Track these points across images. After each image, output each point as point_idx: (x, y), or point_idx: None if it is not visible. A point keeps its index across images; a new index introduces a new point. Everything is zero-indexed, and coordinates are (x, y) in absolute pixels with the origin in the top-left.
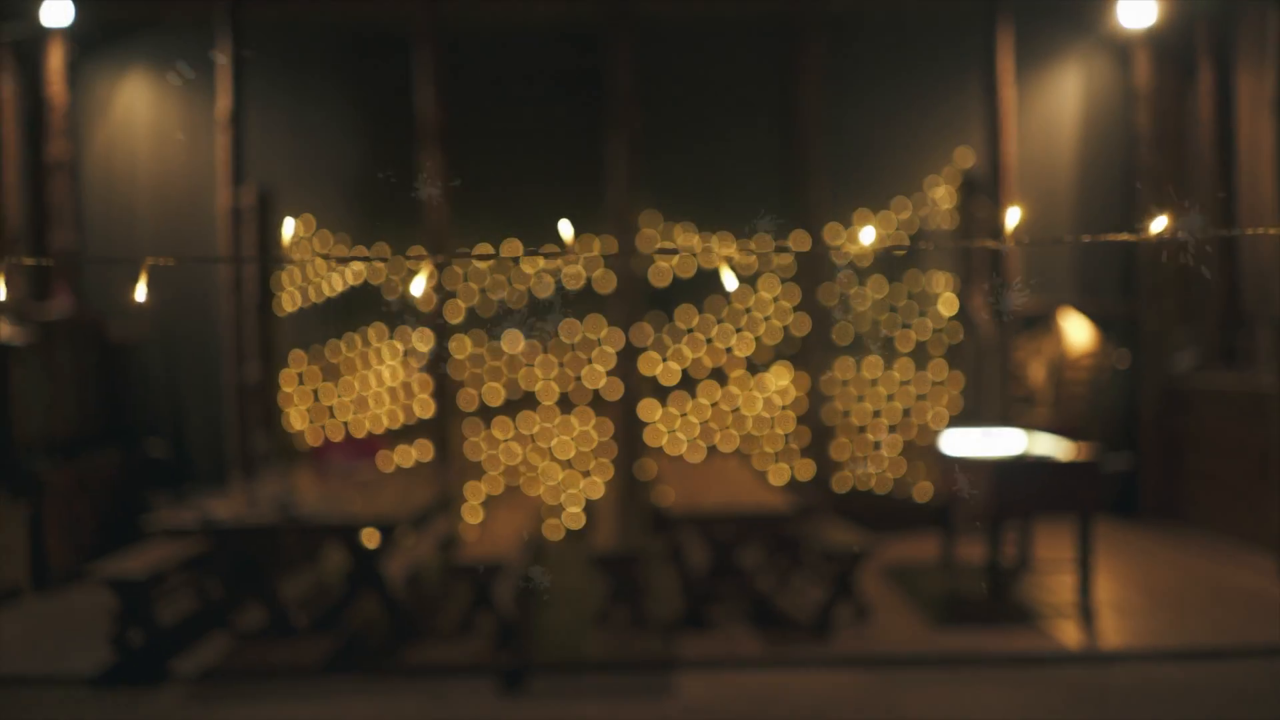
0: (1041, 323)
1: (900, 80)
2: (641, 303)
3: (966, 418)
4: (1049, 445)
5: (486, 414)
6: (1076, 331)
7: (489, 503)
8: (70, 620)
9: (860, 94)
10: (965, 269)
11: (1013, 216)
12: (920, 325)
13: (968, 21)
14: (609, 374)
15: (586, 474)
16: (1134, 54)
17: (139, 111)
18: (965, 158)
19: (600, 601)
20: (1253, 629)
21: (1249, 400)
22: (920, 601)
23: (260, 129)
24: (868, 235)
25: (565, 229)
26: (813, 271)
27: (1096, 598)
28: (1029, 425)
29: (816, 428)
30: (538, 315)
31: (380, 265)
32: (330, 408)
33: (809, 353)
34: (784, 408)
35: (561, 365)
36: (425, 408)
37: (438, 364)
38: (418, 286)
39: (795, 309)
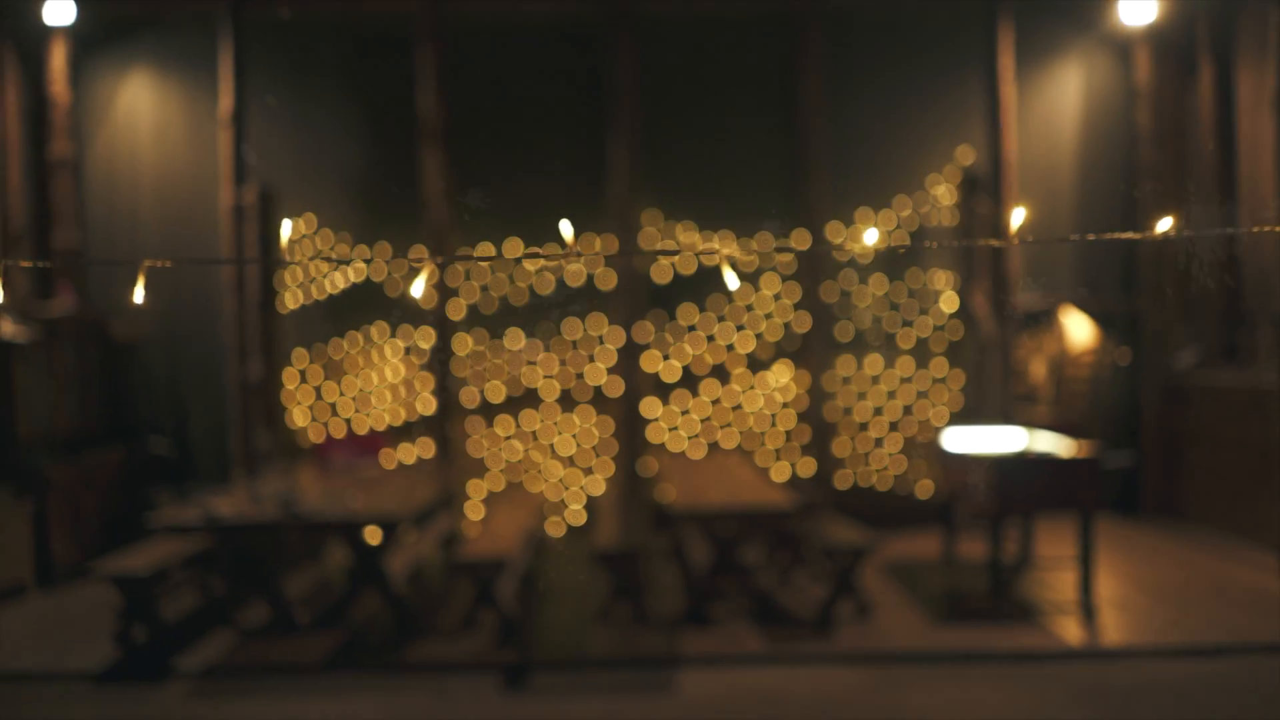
0: (1043, 320)
1: (901, 78)
2: (643, 300)
3: (967, 415)
4: (1050, 443)
5: (488, 411)
6: (1077, 329)
7: (491, 500)
8: (74, 617)
9: (861, 92)
10: (966, 266)
11: (1018, 216)
12: (921, 323)
13: (968, 19)
14: (611, 371)
15: (588, 471)
16: (1135, 51)
17: (141, 110)
18: (966, 155)
19: (602, 598)
20: (1254, 626)
21: (1250, 397)
22: (922, 598)
23: (262, 128)
24: (871, 236)
25: (566, 229)
26: (814, 269)
27: (1098, 595)
28: (1030, 423)
29: (818, 425)
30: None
31: (382, 264)
32: (332, 405)
33: (810, 350)
34: (785, 405)
35: (563, 363)
36: (427, 405)
37: (439, 360)
38: (418, 288)
39: (797, 306)
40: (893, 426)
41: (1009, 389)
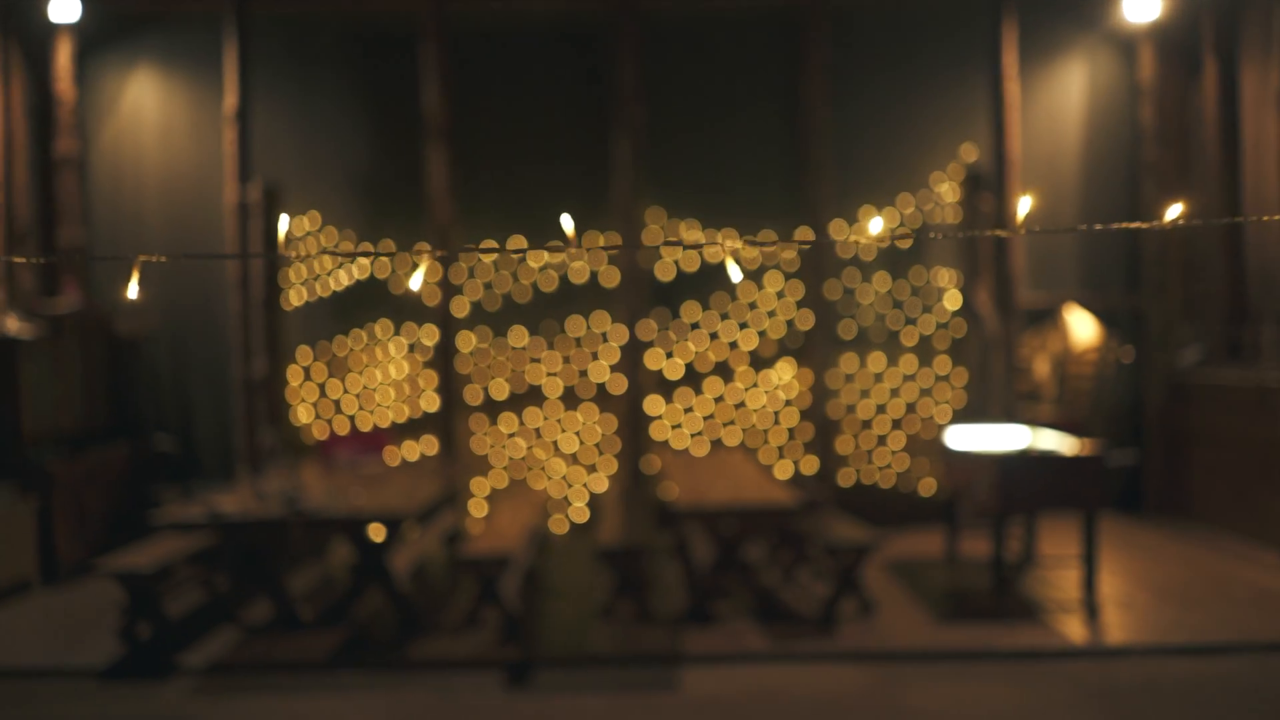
0: (1046, 318)
1: (904, 75)
2: (646, 298)
3: (971, 413)
4: (1053, 441)
5: (492, 408)
6: (1081, 327)
7: (494, 497)
8: (79, 614)
9: (864, 89)
10: (970, 264)
11: (1024, 205)
12: (925, 320)
13: (972, 16)
14: (614, 369)
15: (591, 469)
16: (1139, 48)
17: (146, 107)
18: (969, 153)
19: (605, 596)
20: (1258, 624)
21: (1254, 395)
22: (925, 596)
23: (267, 125)
24: (876, 225)
25: (567, 223)
26: (817, 267)
27: (1101, 593)
28: (1033, 420)
29: (821, 423)
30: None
31: (385, 260)
32: (336, 402)
33: (813, 347)
34: (788, 402)
35: (567, 360)
36: (431, 402)
37: (442, 357)
38: (416, 281)
39: (800, 304)
40: (896, 424)
41: (1012, 387)
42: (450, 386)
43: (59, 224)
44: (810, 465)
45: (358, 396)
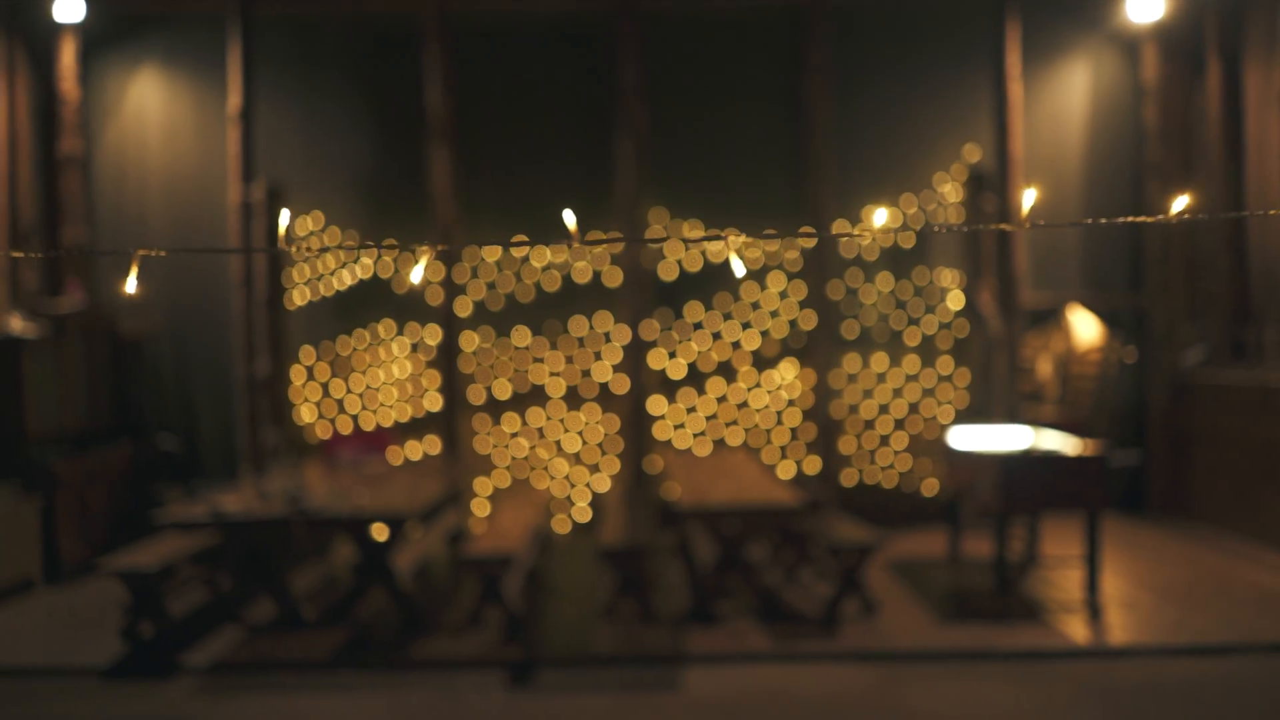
0: (1049, 318)
1: (907, 76)
2: (649, 298)
3: (974, 413)
4: (1056, 441)
5: (495, 408)
6: (1084, 327)
7: (497, 497)
8: (82, 613)
9: (867, 89)
10: (973, 264)
11: (1029, 198)
12: (927, 320)
13: (975, 16)
14: (617, 369)
15: (594, 468)
16: (1142, 48)
17: (150, 107)
18: (972, 153)
19: (608, 596)
20: (1261, 625)
21: (1257, 395)
22: (927, 597)
23: (270, 125)
24: (880, 217)
25: (569, 219)
26: (820, 266)
27: (1104, 594)
28: (1036, 421)
29: (823, 422)
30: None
31: (389, 259)
32: (339, 401)
33: (816, 347)
34: (791, 402)
35: (570, 360)
36: (434, 402)
37: (445, 357)
38: (417, 274)
39: (803, 304)
40: (898, 424)
41: (1015, 387)
42: (453, 386)
43: (63, 223)
44: (813, 465)
45: (361, 396)
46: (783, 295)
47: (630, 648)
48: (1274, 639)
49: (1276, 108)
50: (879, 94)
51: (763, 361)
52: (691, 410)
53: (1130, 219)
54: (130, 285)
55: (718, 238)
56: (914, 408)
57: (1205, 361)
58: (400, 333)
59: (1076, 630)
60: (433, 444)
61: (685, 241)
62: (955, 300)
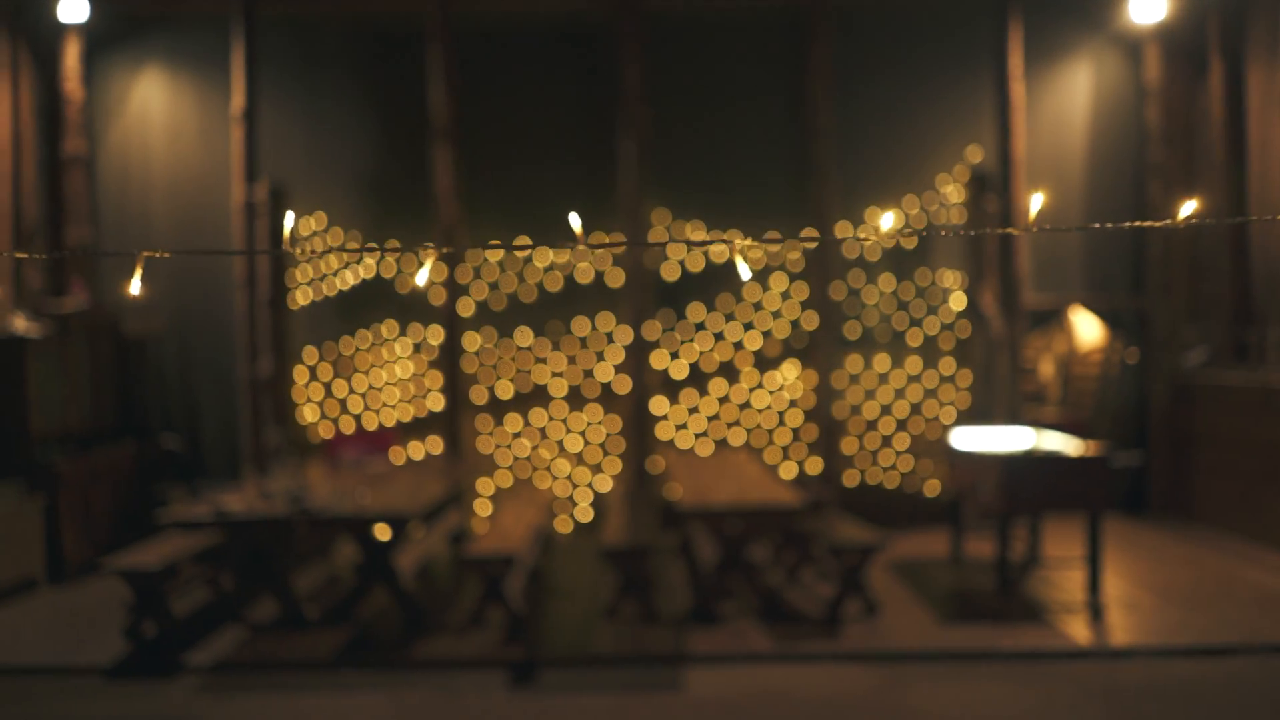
0: (1051, 319)
1: (909, 77)
2: (651, 298)
3: (976, 414)
4: (1058, 442)
5: (497, 408)
6: (1086, 328)
7: (499, 497)
8: (85, 612)
9: (869, 90)
10: (975, 265)
11: (1036, 202)
12: (930, 321)
13: (977, 17)
14: (619, 369)
15: (596, 468)
16: (1145, 50)
17: (154, 107)
18: (975, 154)
19: (610, 596)
20: (1262, 625)
21: (1259, 396)
22: (929, 597)
23: (273, 125)
24: (887, 220)
25: (575, 221)
26: (822, 267)
27: (1106, 594)
28: (1038, 421)
29: (826, 423)
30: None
31: (391, 260)
32: (342, 401)
33: (818, 348)
34: (793, 403)
35: (572, 360)
36: (436, 402)
37: (448, 357)
38: (422, 276)
39: (805, 304)
40: (901, 425)
41: (1017, 388)
42: (455, 386)
43: (66, 223)
44: (815, 466)
45: (363, 396)
46: (785, 296)
47: (632, 648)
48: (1275, 640)
49: (1279, 109)
50: (880, 94)
51: (765, 362)
52: (694, 411)
53: (1135, 224)
54: (134, 286)
55: (722, 241)
56: (916, 408)
57: (1207, 363)
58: (403, 333)
59: (1078, 631)
60: (435, 444)
61: (689, 244)
62: (957, 301)
